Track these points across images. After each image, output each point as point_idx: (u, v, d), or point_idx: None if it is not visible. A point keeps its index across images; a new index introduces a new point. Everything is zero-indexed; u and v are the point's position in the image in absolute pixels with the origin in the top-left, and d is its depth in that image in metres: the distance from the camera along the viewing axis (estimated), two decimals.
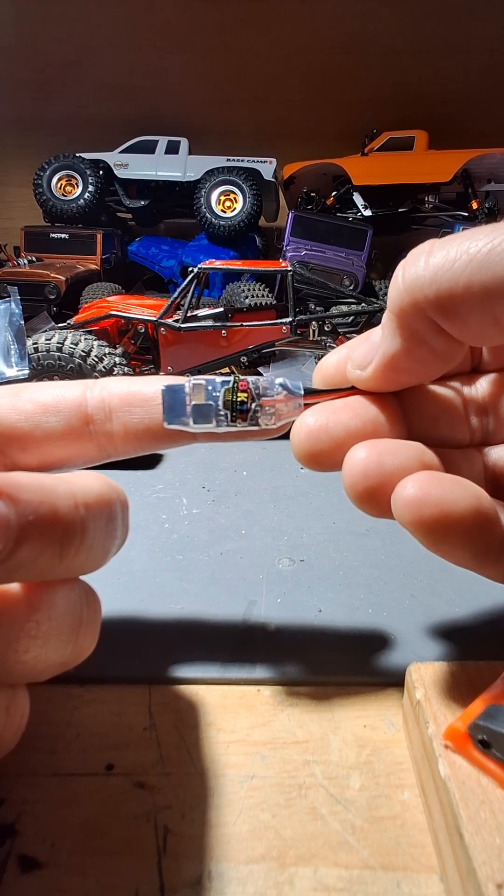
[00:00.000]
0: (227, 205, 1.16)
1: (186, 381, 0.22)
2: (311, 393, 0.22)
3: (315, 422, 0.21)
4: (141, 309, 0.65)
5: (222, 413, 0.22)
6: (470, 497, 0.18)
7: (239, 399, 0.21)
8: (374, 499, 0.20)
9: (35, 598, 0.18)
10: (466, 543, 0.18)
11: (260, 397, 0.22)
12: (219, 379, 0.22)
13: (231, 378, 0.22)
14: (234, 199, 1.15)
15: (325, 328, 0.64)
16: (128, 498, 0.21)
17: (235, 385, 0.22)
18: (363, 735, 0.24)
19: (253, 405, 0.22)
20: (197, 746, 0.23)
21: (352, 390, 0.22)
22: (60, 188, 1.20)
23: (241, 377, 0.22)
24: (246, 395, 0.22)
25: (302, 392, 0.22)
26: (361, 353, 0.21)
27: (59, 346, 0.49)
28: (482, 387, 0.24)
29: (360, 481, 0.19)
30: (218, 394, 0.22)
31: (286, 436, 0.24)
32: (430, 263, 0.18)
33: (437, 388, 0.24)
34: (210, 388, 0.22)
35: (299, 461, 0.22)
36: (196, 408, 0.21)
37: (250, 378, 0.22)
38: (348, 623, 0.30)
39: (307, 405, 0.22)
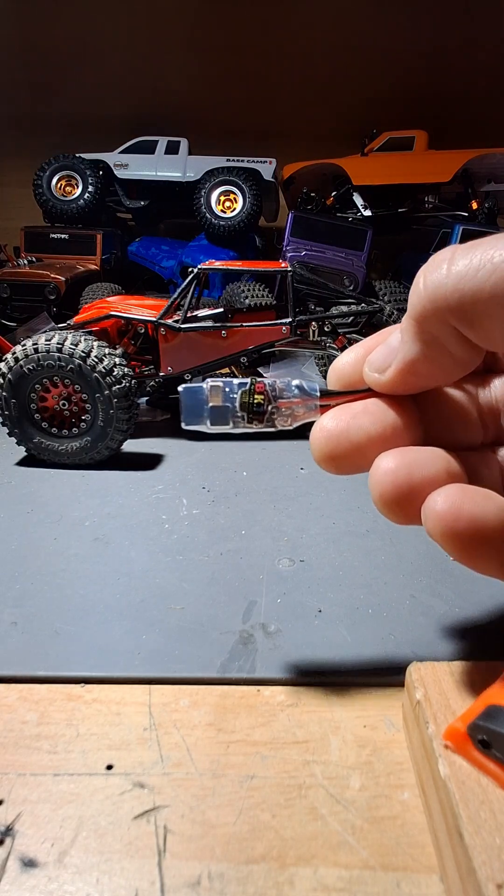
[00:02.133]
0: (227, 205, 1.16)
1: (204, 383, 0.22)
2: (326, 395, 0.22)
3: (335, 425, 0.21)
4: (141, 309, 0.65)
5: (239, 415, 0.22)
6: (499, 510, 0.18)
7: (256, 401, 0.22)
8: (403, 508, 0.20)
9: None
10: (495, 555, 0.19)
11: (276, 399, 0.22)
12: (236, 381, 0.22)
13: (248, 380, 0.22)
14: (234, 199, 1.16)
15: (325, 328, 0.64)
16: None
17: (252, 387, 0.22)
18: (363, 735, 0.24)
19: (269, 407, 0.22)
20: (197, 746, 0.23)
21: (368, 392, 0.22)
22: (60, 188, 1.20)
23: (259, 379, 0.22)
24: (262, 396, 0.22)
25: (318, 394, 0.22)
26: (380, 357, 0.21)
27: (59, 346, 0.49)
28: (496, 388, 0.24)
29: (389, 491, 0.20)
30: (235, 395, 0.22)
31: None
32: (453, 271, 0.18)
33: (451, 390, 0.24)
34: (227, 389, 0.22)
35: (319, 464, 0.22)
36: (214, 409, 0.22)
37: (267, 380, 0.22)
38: (348, 623, 0.30)
39: (323, 407, 0.22)
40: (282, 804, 0.21)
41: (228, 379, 0.22)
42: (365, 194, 1.12)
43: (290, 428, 0.22)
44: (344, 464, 0.21)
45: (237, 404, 0.22)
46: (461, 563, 0.19)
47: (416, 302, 0.19)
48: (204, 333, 0.61)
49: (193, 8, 1.24)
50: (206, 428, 0.22)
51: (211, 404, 0.22)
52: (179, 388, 0.22)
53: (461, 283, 0.18)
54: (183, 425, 0.22)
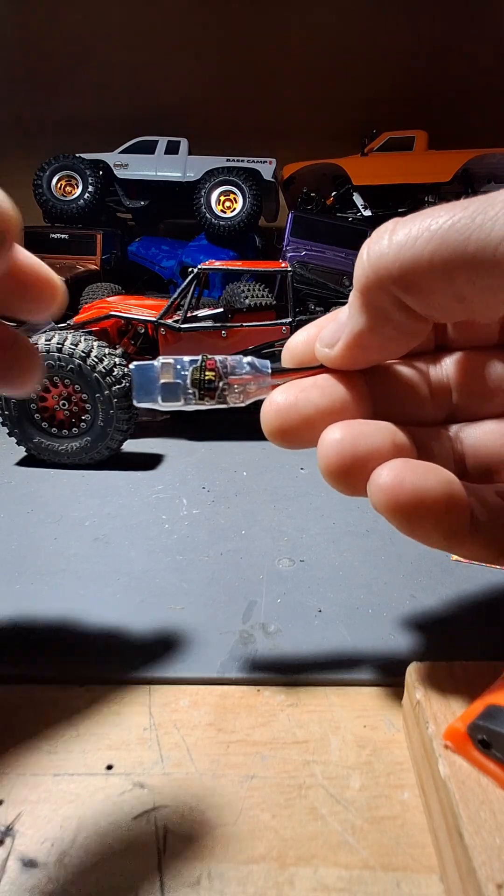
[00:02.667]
0: (227, 205, 1.16)
1: (156, 361, 0.22)
2: (279, 372, 0.23)
3: (284, 399, 0.22)
4: (141, 309, 0.65)
5: (190, 391, 0.22)
6: (442, 483, 0.19)
7: (207, 378, 0.22)
8: (349, 478, 0.20)
9: None
10: (438, 527, 0.19)
11: (227, 376, 0.22)
12: (187, 358, 0.22)
13: (199, 357, 0.22)
14: (234, 199, 1.16)
15: None
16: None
17: (203, 364, 0.22)
18: (363, 735, 0.24)
19: (220, 383, 0.22)
20: (197, 746, 0.23)
21: (320, 369, 0.22)
22: (60, 188, 1.20)
23: (210, 356, 0.22)
24: (213, 373, 0.22)
25: (270, 370, 0.22)
26: (329, 332, 0.22)
27: (59, 346, 0.49)
28: (447, 365, 0.25)
29: (334, 461, 0.20)
30: (186, 373, 0.22)
31: None
32: (394, 241, 0.18)
33: (403, 367, 0.24)
34: (178, 366, 0.22)
35: (269, 438, 0.22)
36: (165, 386, 0.22)
37: (218, 357, 0.22)
38: (348, 623, 0.30)
39: (275, 385, 0.22)
40: (282, 804, 0.21)
41: (180, 356, 0.22)
42: (365, 194, 1.12)
43: (242, 405, 0.23)
44: (293, 438, 0.22)
45: (188, 381, 0.22)
46: (406, 534, 0.19)
47: (360, 274, 0.19)
48: (204, 333, 0.61)
49: (193, 8, 1.24)
50: (158, 405, 0.22)
51: (162, 381, 0.22)
52: (131, 366, 0.23)
53: (401, 253, 0.18)
54: (135, 402, 0.22)
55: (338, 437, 0.20)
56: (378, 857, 0.19)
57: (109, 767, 0.22)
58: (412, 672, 0.23)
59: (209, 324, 0.61)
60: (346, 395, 0.22)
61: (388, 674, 0.26)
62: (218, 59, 1.29)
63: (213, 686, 0.26)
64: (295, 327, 0.62)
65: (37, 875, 0.19)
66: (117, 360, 0.50)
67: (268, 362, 0.22)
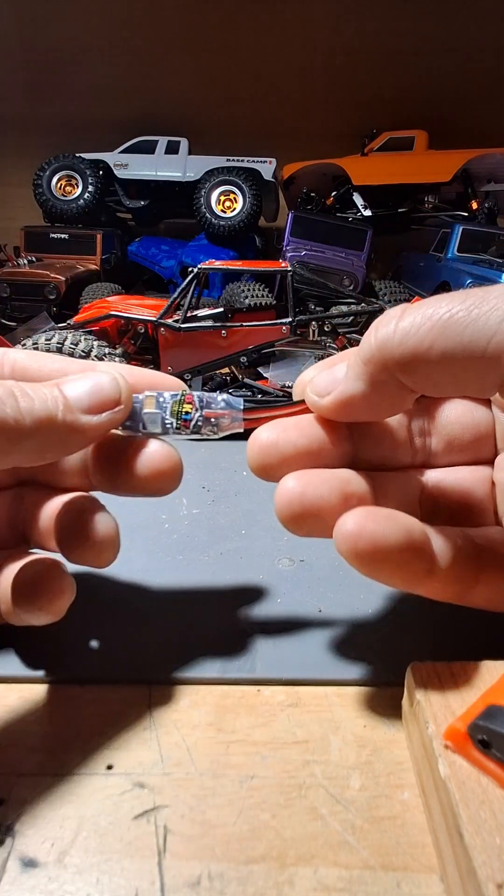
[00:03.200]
0: (227, 205, 1.16)
1: (141, 394, 0.24)
2: (250, 409, 0.25)
3: (266, 437, 0.23)
4: (141, 309, 0.65)
5: (168, 421, 0.24)
6: (401, 530, 0.21)
7: (184, 410, 0.24)
8: (298, 524, 0.22)
9: None
10: (396, 572, 0.21)
11: (203, 409, 0.25)
12: (169, 393, 0.25)
13: (180, 392, 0.25)
14: (234, 199, 1.15)
15: (325, 328, 0.64)
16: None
17: (182, 398, 0.25)
18: (363, 735, 0.24)
19: (196, 415, 0.24)
20: (197, 746, 0.23)
21: (292, 406, 0.25)
22: (60, 188, 1.20)
23: (188, 391, 0.25)
24: (191, 406, 0.25)
25: (241, 408, 0.25)
26: (323, 382, 0.23)
27: (59, 346, 0.49)
28: (427, 411, 0.27)
29: (285, 509, 0.22)
30: (167, 405, 0.24)
31: None
32: (399, 327, 0.20)
33: None
34: (161, 399, 0.24)
35: (252, 471, 0.24)
36: (147, 416, 0.24)
37: (196, 393, 0.25)
38: (348, 623, 0.30)
39: (247, 420, 0.25)
40: (282, 804, 0.21)
41: (161, 391, 0.25)
42: (365, 194, 1.12)
43: (216, 437, 0.25)
44: (272, 472, 0.23)
45: (168, 412, 0.24)
46: (368, 576, 0.21)
47: (366, 349, 0.21)
48: (204, 333, 0.61)
49: (193, 8, 1.24)
50: (139, 432, 0.25)
51: (145, 411, 0.24)
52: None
53: (405, 339, 0.20)
54: (119, 430, 0.25)
55: (290, 485, 0.22)
56: (378, 857, 0.19)
57: (109, 767, 0.22)
58: (412, 672, 0.23)
59: (209, 323, 0.61)
60: (323, 438, 0.24)
61: (388, 674, 0.26)
62: (218, 58, 1.29)
63: (213, 686, 0.26)
64: (295, 327, 0.62)
65: (37, 875, 0.19)
66: (117, 359, 0.50)
67: (241, 400, 0.25)
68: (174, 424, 0.24)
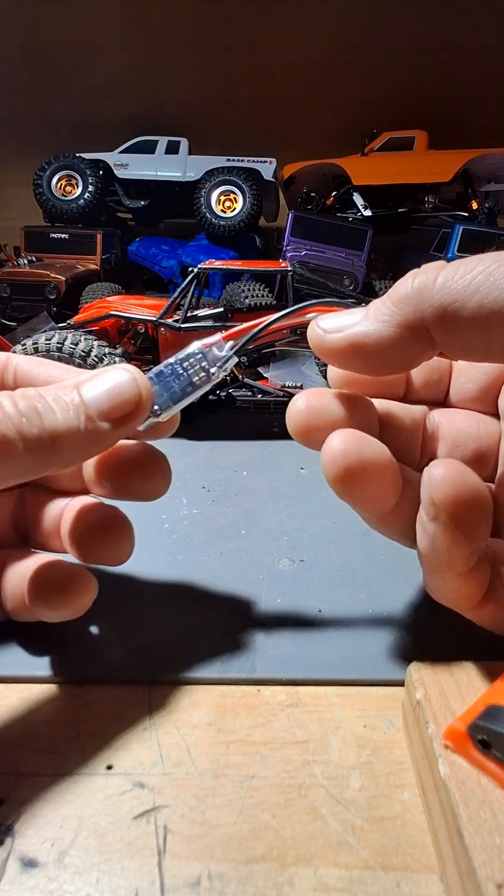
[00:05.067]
0: (227, 205, 1.15)
1: (150, 373, 0.24)
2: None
3: (307, 403, 0.24)
4: (141, 309, 0.65)
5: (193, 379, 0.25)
6: (383, 452, 0.22)
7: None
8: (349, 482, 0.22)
9: None
10: (376, 493, 0.22)
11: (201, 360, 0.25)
12: (172, 358, 0.25)
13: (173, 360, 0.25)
14: (234, 199, 1.15)
15: None
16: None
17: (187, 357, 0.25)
18: (363, 735, 0.24)
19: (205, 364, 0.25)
20: (197, 746, 0.23)
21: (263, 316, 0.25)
22: (60, 188, 1.20)
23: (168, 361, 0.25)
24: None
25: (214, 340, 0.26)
26: (334, 320, 0.22)
27: (59, 346, 0.49)
28: (436, 418, 0.27)
29: (338, 465, 0.22)
30: (180, 369, 0.25)
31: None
32: (442, 275, 0.19)
33: (404, 413, 0.26)
34: (169, 370, 0.25)
35: (294, 433, 0.24)
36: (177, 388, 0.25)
37: (170, 360, 0.25)
38: (348, 623, 0.30)
39: (228, 335, 0.26)
40: (282, 804, 0.21)
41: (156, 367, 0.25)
42: (365, 194, 1.12)
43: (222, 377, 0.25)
44: (315, 437, 0.23)
45: (189, 373, 0.25)
46: (343, 496, 0.22)
47: (401, 292, 0.20)
48: (204, 333, 0.61)
49: (194, 8, 1.24)
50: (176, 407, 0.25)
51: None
52: (152, 377, 0.25)
53: (447, 287, 0.19)
54: (162, 417, 0.25)
55: (302, 404, 0.23)
56: (378, 857, 0.19)
57: (109, 767, 0.22)
58: (412, 672, 0.23)
59: (209, 323, 0.61)
60: (360, 417, 0.24)
61: (388, 674, 0.26)
62: (218, 58, 1.29)
63: (213, 686, 0.26)
64: (295, 327, 0.62)
65: (37, 875, 0.19)
66: (117, 359, 0.50)
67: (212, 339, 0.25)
68: (195, 382, 0.25)
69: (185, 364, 0.24)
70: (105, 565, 0.25)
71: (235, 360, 0.25)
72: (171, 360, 0.25)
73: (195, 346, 0.25)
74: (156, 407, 0.24)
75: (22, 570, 0.26)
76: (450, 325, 0.20)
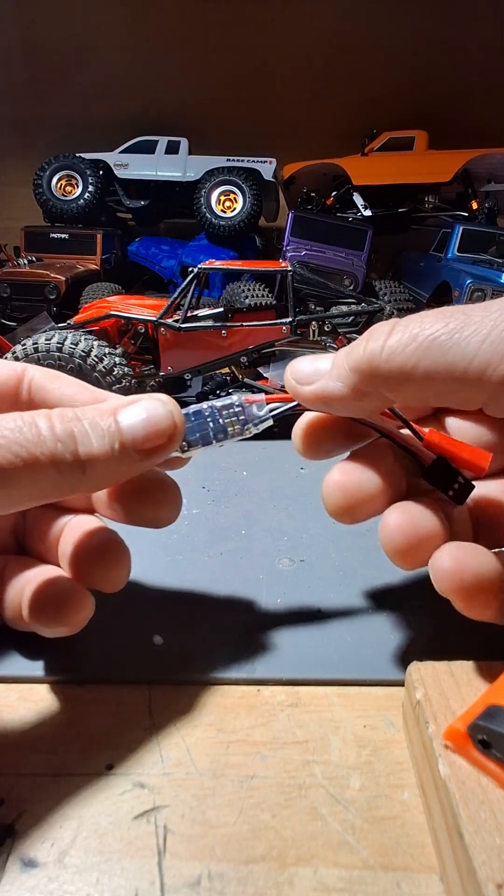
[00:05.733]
0: (227, 205, 1.16)
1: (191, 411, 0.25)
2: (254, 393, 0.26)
3: (343, 478, 0.24)
4: (141, 309, 0.65)
5: (227, 430, 0.25)
6: (491, 562, 0.22)
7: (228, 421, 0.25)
8: (406, 556, 0.23)
9: None
10: (494, 602, 0.22)
11: (237, 413, 0.25)
12: (205, 405, 0.25)
13: (207, 406, 0.25)
14: (234, 199, 1.15)
15: (325, 328, 0.64)
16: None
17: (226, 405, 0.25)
18: (363, 735, 0.24)
19: (242, 418, 0.25)
20: (197, 746, 0.23)
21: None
22: (60, 188, 1.20)
23: (208, 404, 0.25)
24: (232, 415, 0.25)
25: (241, 401, 0.26)
26: (306, 372, 0.24)
27: (59, 346, 0.49)
28: (446, 425, 0.27)
29: (401, 543, 0.23)
30: (216, 415, 0.25)
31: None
32: (387, 345, 0.21)
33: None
34: (202, 413, 0.25)
35: (332, 514, 0.25)
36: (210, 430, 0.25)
37: (205, 404, 0.25)
38: (348, 623, 0.30)
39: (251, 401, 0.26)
40: (282, 804, 0.21)
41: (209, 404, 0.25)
42: (365, 194, 1.12)
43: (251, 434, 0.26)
44: (356, 513, 0.24)
45: (222, 421, 0.25)
46: (466, 613, 0.22)
47: (355, 359, 0.22)
48: (204, 333, 0.61)
49: (193, 8, 1.24)
50: (209, 447, 0.25)
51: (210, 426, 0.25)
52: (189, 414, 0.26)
53: (392, 357, 0.21)
54: (190, 451, 0.25)
55: (399, 521, 0.23)
56: (378, 857, 0.19)
57: (109, 767, 0.22)
58: (412, 672, 0.23)
59: (209, 323, 0.61)
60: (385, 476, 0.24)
61: (388, 674, 0.26)
62: (218, 58, 1.29)
63: (213, 686, 0.26)
64: (295, 327, 0.62)
65: (37, 875, 0.19)
66: (117, 359, 0.50)
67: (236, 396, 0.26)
68: (229, 432, 0.25)
69: (225, 412, 0.25)
70: (99, 590, 0.25)
71: (271, 423, 0.26)
72: (212, 403, 0.25)
73: (238, 398, 0.25)
74: (184, 443, 0.24)
75: (21, 583, 0.25)
76: (399, 390, 0.22)
